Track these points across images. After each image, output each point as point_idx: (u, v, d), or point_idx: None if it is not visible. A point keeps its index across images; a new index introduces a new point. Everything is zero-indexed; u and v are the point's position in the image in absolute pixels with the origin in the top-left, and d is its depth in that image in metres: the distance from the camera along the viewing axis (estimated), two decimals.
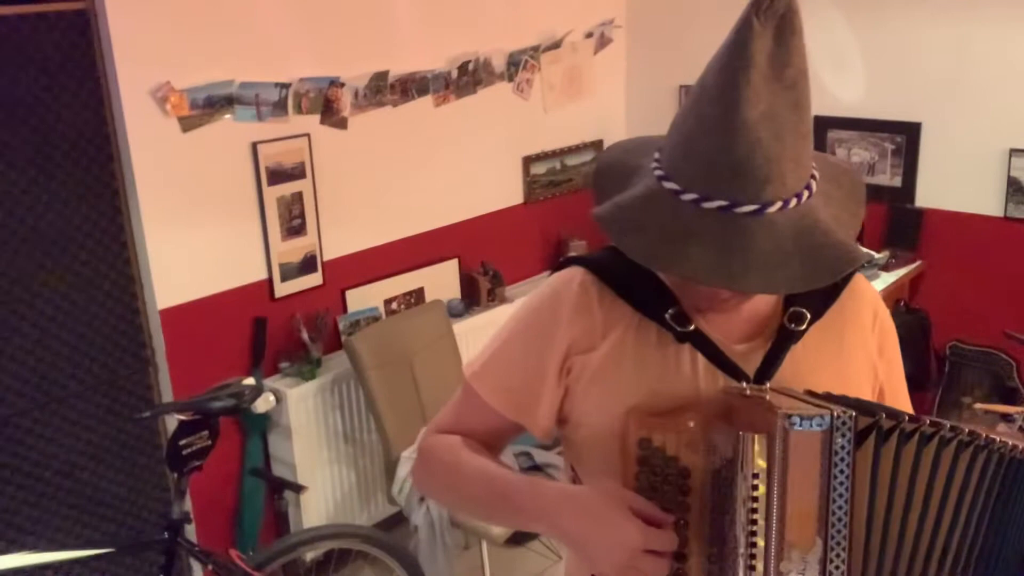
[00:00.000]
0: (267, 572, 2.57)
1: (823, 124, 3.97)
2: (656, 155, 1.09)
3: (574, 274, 1.23)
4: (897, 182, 3.84)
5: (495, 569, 3.25)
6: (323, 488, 3.30)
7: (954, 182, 3.71)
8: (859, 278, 1.28)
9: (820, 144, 3.98)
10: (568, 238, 4.18)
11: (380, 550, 2.82)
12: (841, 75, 3.88)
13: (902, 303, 3.79)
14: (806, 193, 1.04)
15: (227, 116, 2.97)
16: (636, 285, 1.19)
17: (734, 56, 0.99)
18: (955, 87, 3.63)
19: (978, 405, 3.45)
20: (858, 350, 1.24)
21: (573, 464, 1.28)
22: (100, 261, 2.81)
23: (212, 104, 2.92)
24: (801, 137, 1.03)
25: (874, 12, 3.75)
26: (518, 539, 3.27)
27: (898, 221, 3.85)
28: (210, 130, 2.93)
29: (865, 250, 1.05)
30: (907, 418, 1.02)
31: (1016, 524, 1.04)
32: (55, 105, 2.65)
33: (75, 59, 2.66)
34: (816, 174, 1.07)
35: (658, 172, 1.07)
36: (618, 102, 4.38)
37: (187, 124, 2.87)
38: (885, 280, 3.64)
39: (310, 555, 3.04)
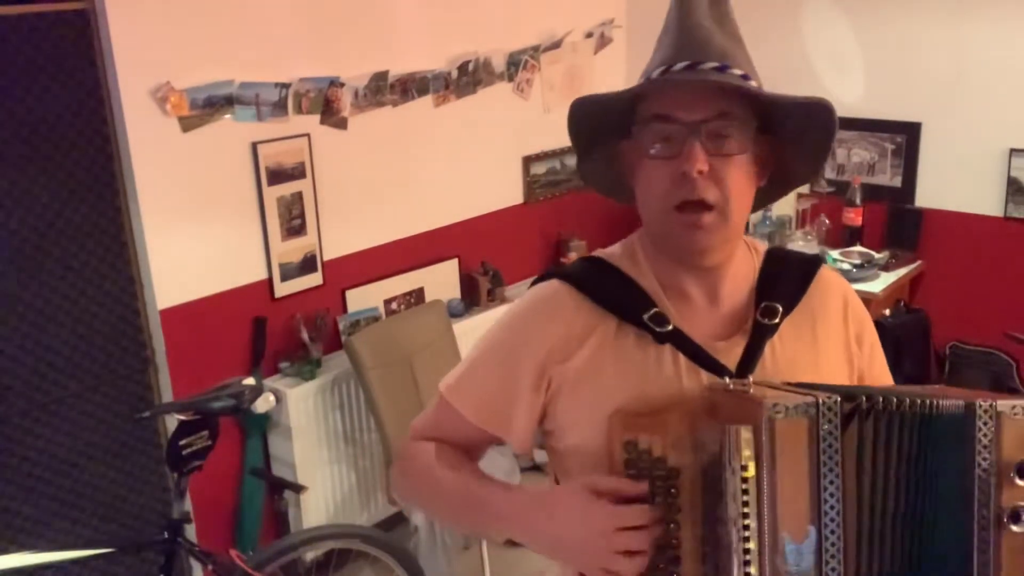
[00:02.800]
0: (267, 572, 2.57)
1: None
2: None
3: (549, 286, 1.24)
4: (897, 182, 3.84)
5: (495, 569, 3.24)
6: (323, 488, 3.29)
7: (954, 182, 3.71)
8: (826, 269, 1.29)
9: None
10: (568, 238, 4.18)
11: (380, 550, 2.81)
12: (841, 75, 3.88)
13: (902, 303, 3.78)
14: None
15: (227, 116, 2.97)
16: (612, 291, 1.20)
17: None
18: (955, 87, 3.63)
19: None
20: (832, 340, 1.24)
21: (559, 477, 1.28)
22: (100, 261, 2.81)
23: (212, 104, 2.92)
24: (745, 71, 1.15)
25: (874, 12, 3.75)
26: None
27: (898, 221, 3.85)
28: (210, 130, 2.93)
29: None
30: (881, 397, 1.01)
31: (947, 484, 1.00)
32: (55, 105, 2.65)
33: (75, 59, 2.66)
34: None
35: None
36: None
37: (187, 124, 2.87)
38: (885, 280, 3.63)
39: (310, 555, 3.03)
